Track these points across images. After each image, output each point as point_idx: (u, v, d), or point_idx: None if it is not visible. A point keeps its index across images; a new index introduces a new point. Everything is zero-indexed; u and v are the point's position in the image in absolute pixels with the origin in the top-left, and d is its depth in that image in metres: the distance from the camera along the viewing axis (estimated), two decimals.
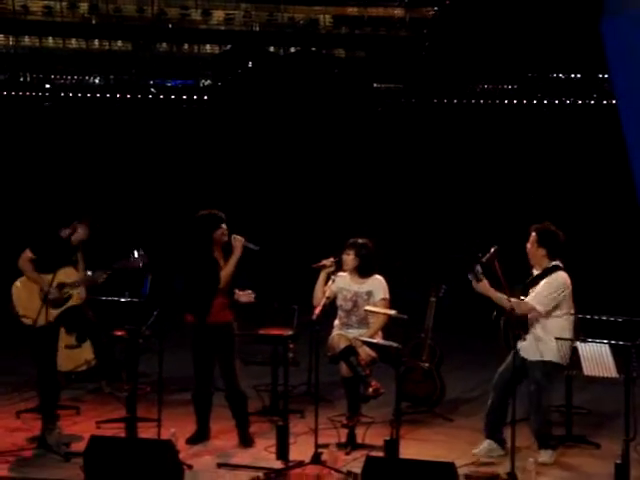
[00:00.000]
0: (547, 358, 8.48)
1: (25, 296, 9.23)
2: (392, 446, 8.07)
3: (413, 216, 18.25)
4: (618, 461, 7.82)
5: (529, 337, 8.47)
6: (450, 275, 10.51)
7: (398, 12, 25.85)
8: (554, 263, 8.55)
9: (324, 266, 9.24)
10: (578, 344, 8.07)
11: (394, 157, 19.71)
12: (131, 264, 9.20)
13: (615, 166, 15.60)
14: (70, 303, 9.35)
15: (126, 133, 20.84)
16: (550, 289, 8.46)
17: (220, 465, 8.44)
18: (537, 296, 8.46)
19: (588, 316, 9.07)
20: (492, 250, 8.90)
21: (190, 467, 8.25)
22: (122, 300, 8.95)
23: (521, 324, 8.45)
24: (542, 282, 8.50)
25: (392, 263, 10.64)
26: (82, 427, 9.39)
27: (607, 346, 7.90)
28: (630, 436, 7.98)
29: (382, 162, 19.57)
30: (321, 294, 9.14)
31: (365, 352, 9.12)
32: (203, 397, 9.13)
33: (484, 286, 8.49)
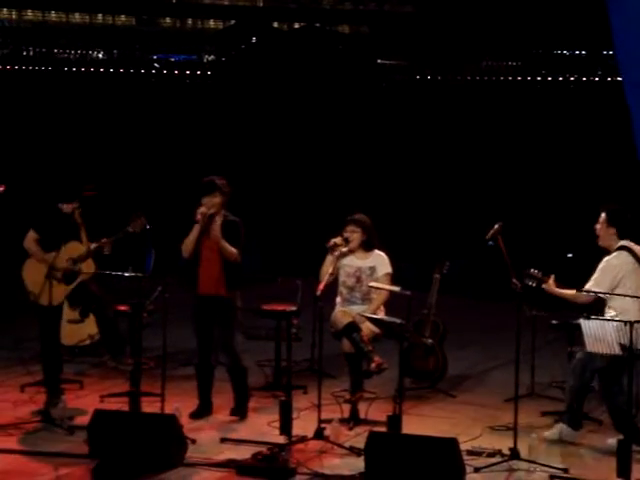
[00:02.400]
0: None
1: (36, 276, 9.20)
2: (395, 422, 8.09)
3: (417, 192, 18.22)
4: (620, 437, 7.83)
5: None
6: (454, 252, 10.52)
7: None
8: (621, 243, 8.50)
9: (335, 244, 9.22)
10: (582, 321, 8.06)
11: (397, 133, 19.66)
12: (133, 229, 9.20)
13: (620, 143, 15.57)
14: (81, 277, 9.34)
15: (129, 107, 20.79)
16: (605, 268, 8.39)
17: (223, 440, 8.46)
18: (594, 278, 8.41)
19: (592, 293, 9.04)
20: (496, 226, 8.90)
21: (194, 441, 8.27)
22: (126, 275, 8.95)
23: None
24: (600, 264, 8.46)
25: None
26: (86, 401, 9.41)
27: (611, 323, 7.90)
28: (632, 412, 7.98)
29: (385, 138, 19.53)
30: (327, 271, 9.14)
31: (368, 328, 9.13)
32: (204, 370, 9.14)
33: (550, 287, 8.48)
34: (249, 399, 9.29)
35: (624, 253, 8.45)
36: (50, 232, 9.20)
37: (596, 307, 8.56)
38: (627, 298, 8.29)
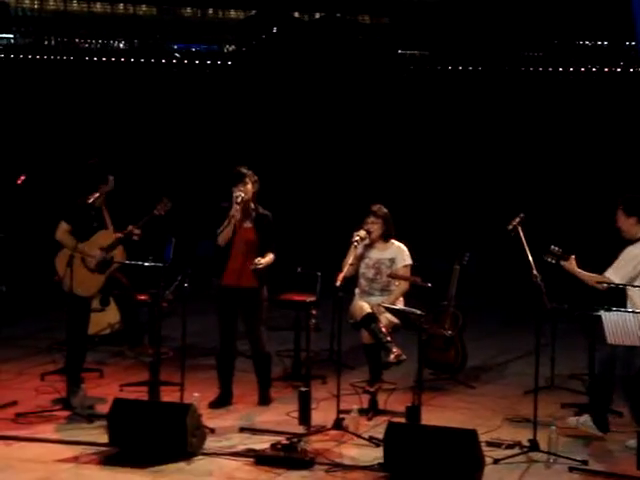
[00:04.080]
0: None
1: (70, 269, 9.20)
2: (414, 412, 8.08)
3: (438, 183, 18.18)
4: None
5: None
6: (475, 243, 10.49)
7: None
8: None
9: (360, 238, 9.21)
10: (602, 312, 8.02)
11: (418, 124, 19.62)
12: (158, 212, 9.24)
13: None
14: (115, 265, 9.36)
15: (150, 97, 20.82)
16: (625, 257, 8.33)
17: (242, 429, 8.48)
18: (614, 266, 8.36)
19: (613, 284, 9.00)
20: (517, 218, 8.87)
21: (212, 430, 8.29)
22: (146, 264, 8.96)
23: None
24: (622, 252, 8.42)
25: None
26: (105, 390, 9.45)
27: (632, 314, 7.86)
28: None
29: (406, 130, 19.49)
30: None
31: (387, 319, 9.12)
32: (225, 359, 9.17)
33: (570, 266, 8.42)
34: (271, 386, 9.33)
35: None
36: (81, 222, 9.23)
37: (614, 295, 8.51)
38: None
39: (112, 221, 9.38)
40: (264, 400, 9.23)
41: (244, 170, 9.06)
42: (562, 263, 8.44)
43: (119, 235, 9.29)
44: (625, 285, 8.29)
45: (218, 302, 9.15)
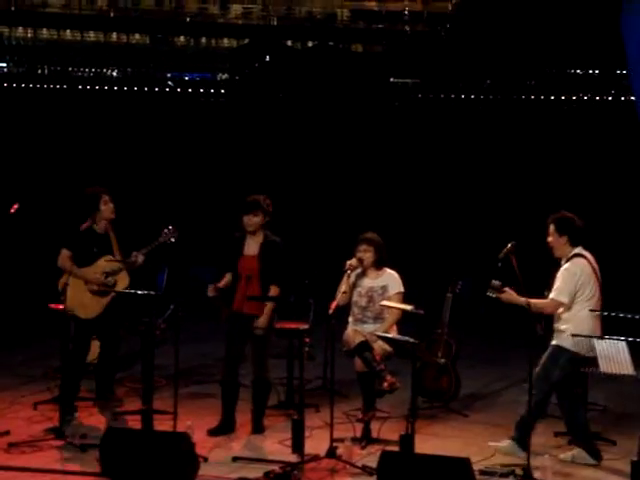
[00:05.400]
0: (556, 342, 8.46)
1: (73, 290, 9.31)
2: (407, 441, 8.08)
3: (429, 210, 18.21)
4: (634, 458, 7.80)
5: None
6: (468, 271, 10.50)
7: (416, 6, 25.81)
8: (575, 251, 8.51)
9: (352, 267, 9.24)
10: (595, 341, 8.05)
11: (410, 152, 19.66)
12: (163, 239, 9.32)
13: (633, 163, 15.54)
14: (117, 287, 9.42)
15: (143, 126, 20.86)
16: (565, 277, 8.43)
17: (235, 458, 8.46)
18: (557, 288, 8.44)
19: (605, 313, 9.02)
20: (509, 245, 8.90)
21: (205, 460, 8.27)
22: (138, 293, 8.98)
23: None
24: (558, 273, 8.48)
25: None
26: (98, 418, 9.43)
27: (624, 343, 7.88)
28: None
29: (398, 157, 19.53)
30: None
31: (380, 347, 9.12)
32: (229, 386, 9.16)
33: (509, 296, 8.49)
34: (264, 415, 9.32)
35: (581, 260, 8.44)
36: (82, 249, 9.42)
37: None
38: (583, 306, 8.30)
39: (120, 247, 9.47)
40: (258, 429, 9.21)
41: (258, 199, 9.09)
42: (500, 296, 8.47)
43: (122, 261, 9.38)
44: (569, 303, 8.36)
45: (227, 328, 9.17)
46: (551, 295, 8.47)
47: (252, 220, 9.06)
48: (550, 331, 8.57)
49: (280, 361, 10.47)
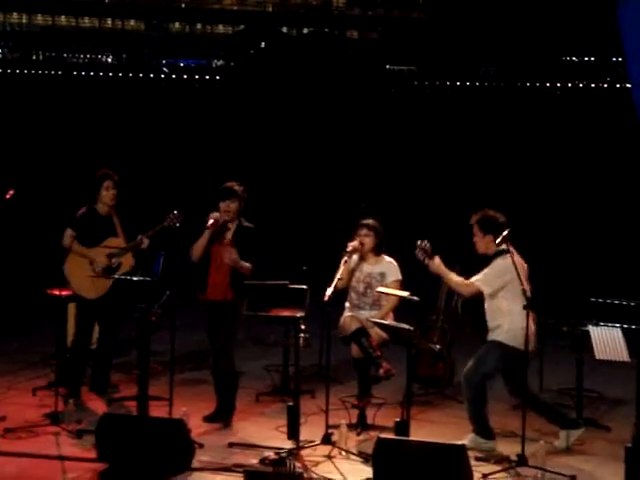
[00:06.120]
0: (493, 337, 8.48)
1: (77, 271, 9.38)
2: (403, 427, 8.09)
3: (425, 197, 18.23)
4: (629, 444, 7.83)
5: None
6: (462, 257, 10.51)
7: None
8: (501, 248, 8.52)
9: (354, 249, 9.23)
10: (590, 327, 8.07)
11: (406, 139, 19.68)
12: (168, 224, 9.30)
13: (628, 149, 15.56)
14: (121, 271, 9.43)
15: (138, 112, 20.85)
16: (493, 270, 8.44)
17: (231, 444, 8.48)
18: (482, 276, 8.46)
19: (600, 300, 9.06)
20: (504, 233, 8.89)
21: (201, 446, 8.28)
22: (134, 279, 8.98)
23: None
24: (488, 265, 8.51)
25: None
26: (94, 404, 9.44)
27: (619, 330, 7.90)
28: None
29: (394, 144, 19.54)
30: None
31: (376, 333, 9.13)
32: (219, 376, 9.13)
33: (435, 264, 8.51)
34: (235, 408, 9.13)
35: (509, 257, 8.43)
36: (86, 229, 9.47)
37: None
38: (515, 302, 8.29)
39: (123, 230, 9.47)
40: (224, 420, 8.93)
41: (236, 187, 9.04)
42: (427, 262, 8.48)
43: (127, 244, 9.40)
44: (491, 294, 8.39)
45: (205, 317, 9.14)
46: (473, 278, 8.49)
47: (229, 207, 9.01)
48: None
49: (276, 348, 10.48)
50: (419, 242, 8.55)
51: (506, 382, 8.60)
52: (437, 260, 8.53)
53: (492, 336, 8.50)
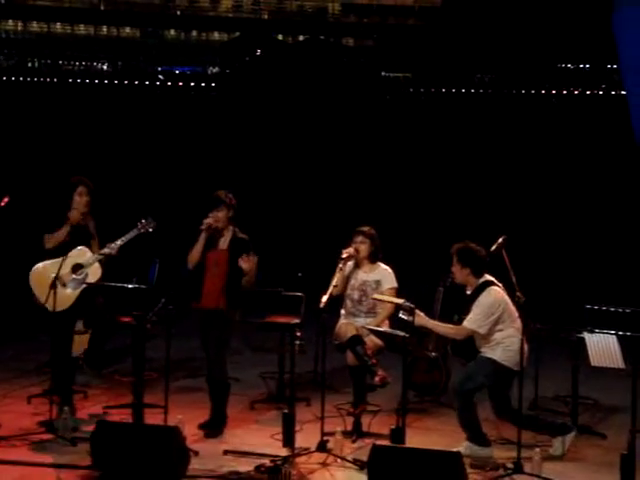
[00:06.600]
0: (488, 355, 8.46)
1: (43, 281, 9.20)
2: (398, 435, 8.09)
3: (421, 204, 18.24)
4: (624, 452, 7.82)
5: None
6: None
7: (407, 0, 25.83)
8: (482, 280, 8.50)
9: (350, 256, 9.23)
10: (585, 334, 8.07)
11: (401, 146, 19.69)
12: (138, 230, 9.22)
13: (623, 157, 15.59)
14: (87, 280, 9.28)
15: (133, 119, 20.85)
16: (483, 309, 8.40)
17: (226, 452, 8.46)
18: (474, 318, 8.42)
19: (596, 307, 9.06)
20: (500, 240, 8.90)
21: (196, 453, 8.27)
22: (129, 286, 8.95)
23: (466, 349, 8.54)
24: (475, 303, 8.46)
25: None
26: (90, 412, 9.42)
27: (614, 337, 7.90)
28: (636, 427, 7.98)
29: (389, 151, 19.56)
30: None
31: (372, 341, 9.12)
32: (214, 384, 9.12)
33: (421, 320, 8.49)
34: (226, 417, 9.12)
35: (494, 289, 8.44)
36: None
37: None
38: (511, 325, 8.34)
39: (99, 238, 9.38)
40: (215, 430, 8.93)
41: (222, 195, 9.06)
42: (411, 320, 8.42)
43: (97, 254, 9.23)
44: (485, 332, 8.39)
45: (199, 326, 9.13)
46: (465, 323, 8.46)
47: (217, 216, 9.04)
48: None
49: (271, 355, 10.47)
50: (402, 302, 8.54)
51: (490, 398, 8.57)
52: (421, 316, 8.50)
53: (487, 352, 8.45)
